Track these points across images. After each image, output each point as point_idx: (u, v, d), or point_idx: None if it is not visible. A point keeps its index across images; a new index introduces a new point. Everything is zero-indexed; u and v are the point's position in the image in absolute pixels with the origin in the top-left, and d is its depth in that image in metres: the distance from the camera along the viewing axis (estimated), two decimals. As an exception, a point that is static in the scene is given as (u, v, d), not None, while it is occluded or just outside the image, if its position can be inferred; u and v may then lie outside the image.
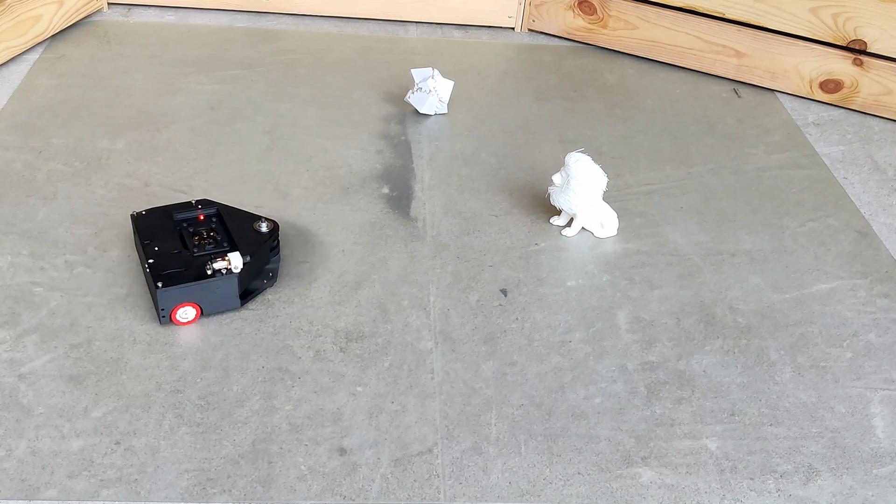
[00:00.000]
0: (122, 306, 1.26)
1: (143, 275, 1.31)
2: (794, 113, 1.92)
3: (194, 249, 1.26)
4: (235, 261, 1.23)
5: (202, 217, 1.33)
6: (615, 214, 1.47)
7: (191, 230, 1.30)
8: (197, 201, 1.35)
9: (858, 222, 1.58)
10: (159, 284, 1.19)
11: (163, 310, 1.21)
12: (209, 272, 1.22)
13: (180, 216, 1.32)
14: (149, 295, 1.27)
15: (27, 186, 1.48)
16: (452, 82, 1.78)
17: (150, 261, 1.23)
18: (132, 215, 1.32)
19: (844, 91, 1.93)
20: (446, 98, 1.77)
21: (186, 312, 1.23)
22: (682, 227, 1.53)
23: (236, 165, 1.58)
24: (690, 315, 1.34)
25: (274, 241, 1.33)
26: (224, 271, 1.23)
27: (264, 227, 1.31)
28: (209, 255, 1.26)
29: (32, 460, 1.04)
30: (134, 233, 1.32)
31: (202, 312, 1.24)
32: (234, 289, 1.24)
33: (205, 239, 1.28)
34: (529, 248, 1.44)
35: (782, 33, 1.92)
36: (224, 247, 1.28)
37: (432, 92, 1.74)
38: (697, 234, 1.51)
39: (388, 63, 1.96)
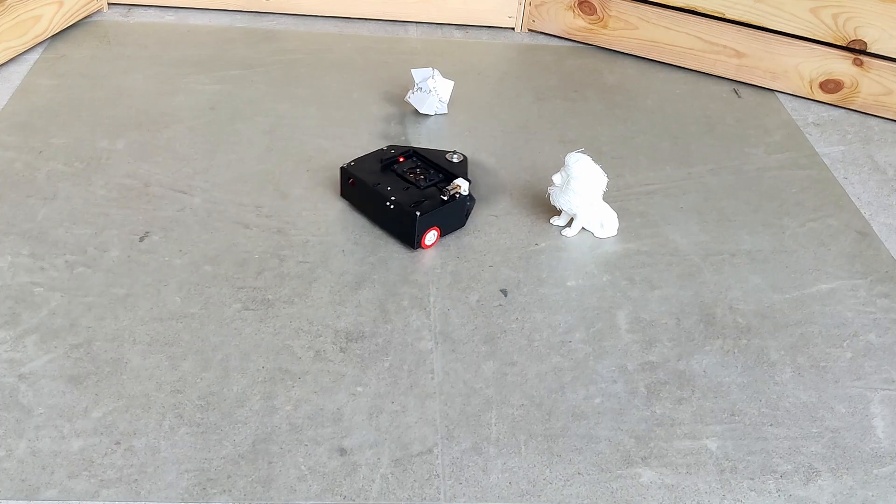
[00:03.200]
0: (122, 306, 1.26)
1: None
2: (795, 113, 1.92)
3: (420, 182, 1.44)
4: (463, 185, 1.42)
5: (402, 158, 1.51)
6: (615, 214, 1.47)
7: (404, 169, 1.48)
8: (389, 146, 1.52)
9: (858, 222, 1.58)
10: (418, 213, 1.36)
11: (418, 236, 1.38)
12: (445, 198, 1.40)
13: (386, 160, 1.49)
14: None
15: (27, 186, 1.48)
16: (452, 82, 1.78)
17: (393, 197, 1.40)
18: (343, 167, 1.47)
19: (844, 91, 1.93)
20: (446, 98, 1.77)
21: (432, 236, 1.41)
22: (683, 228, 1.53)
23: (236, 165, 1.58)
24: (690, 315, 1.34)
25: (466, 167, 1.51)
26: (456, 195, 1.41)
27: (456, 158, 1.50)
28: (434, 184, 1.45)
29: (32, 460, 1.04)
30: (347, 183, 1.47)
31: (440, 234, 1.42)
32: (463, 209, 1.44)
33: (419, 175, 1.46)
34: (529, 248, 1.44)
35: (782, 33, 1.92)
36: (440, 177, 1.47)
37: (432, 92, 1.74)
38: (698, 234, 1.51)
39: (388, 63, 1.96)
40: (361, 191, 1.45)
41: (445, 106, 1.78)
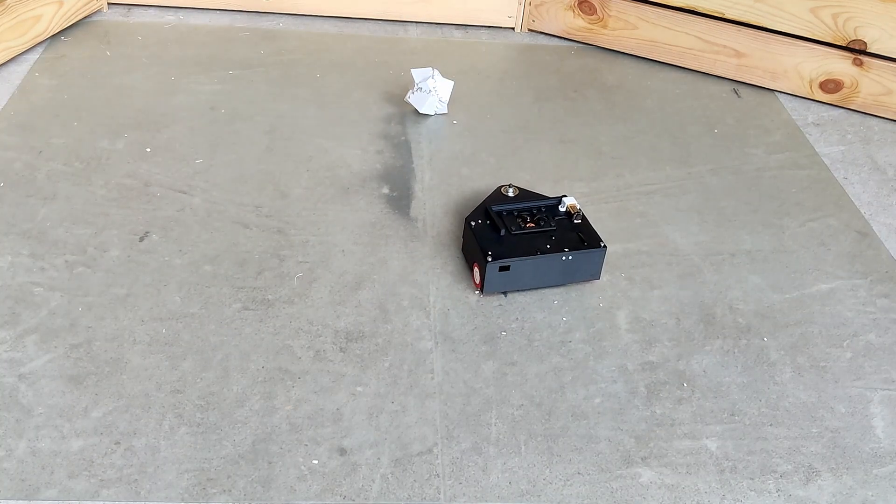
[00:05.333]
0: (122, 306, 1.26)
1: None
2: (794, 113, 1.92)
3: (539, 223, 1.37)
4: (575, 202, 1.40)
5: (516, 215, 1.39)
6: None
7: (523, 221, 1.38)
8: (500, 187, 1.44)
9: (858, 222, 1.58)
10: (602, 244, 1.33)
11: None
12: (578, 220, 1.38)
13: (496, 209, 1.39)
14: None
15: (27, 186, 1.48)
16: (452, 82, 1.78)
17: (566, 248, 1.33)
18: (470, 223, 1.36)
19: (844, 91, 1.93)
20: (446, 98, 1.77)
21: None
22: (682, 228, 1.53)
23: (236, 165, 1.58)
24: (690, 315, 1.34)
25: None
26: (576, 212, 1.39)
27: (511, 192, 1.42)
28: (544, 220, 1.37)
29: (32, 460, 1.04)
30: (471, 233, 1.35)
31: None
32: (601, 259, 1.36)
33: (535, 219, 1.38)
34: (529, 248, 1.44)
35: (782, 33, 1.92)
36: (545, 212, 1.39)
37: (432, 92, 1.74)
38: (697, 234, 1.51)
39: (388, 63, 1.96)
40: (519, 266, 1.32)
41: (445, 106, 1.78)
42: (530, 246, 1.32)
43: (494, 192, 1.43)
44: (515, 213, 1.38)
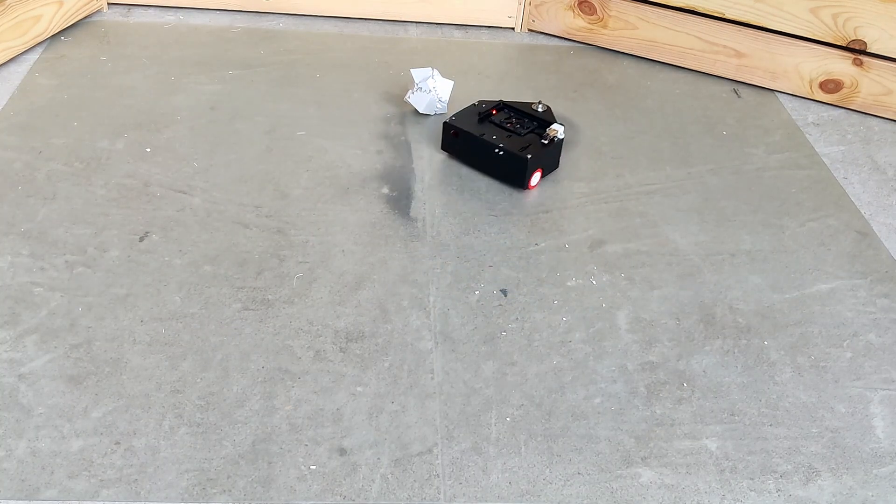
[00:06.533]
0: (121, 306, 1.26)
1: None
2: (794, 113, 1.92)
3: (519, 130, 1.60)
4: (560, 130, 1.57)
5: (495, 111, 1.65)
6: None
7: (501, 120, 1.62)
8: (479, 101, 1.66)
9: (858, 222, 1.58)
10: (528, 156, 1.52)
11: (528, 177, 1.54)
12: (546, 142, 1.56)
13: (482, 113, 1.63)
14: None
15: (27, 186, 1.48)
16: (452, 82, 1.78)
17: (501, 144, 1.55)
18: (447, 122, 1.61)
19: (844, 91, 1.93)
20: (446, 98, 1.77)
21: (536, 177, 1.57)
22: (682, 227, 1.53)
23: (236, 165, 1.58)
24: (690, 315, 1.34)
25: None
26: (555, 139, 1.57)
27: (541, 108, 1.65)
28: (531, 131, 1.60)
29: (32, 460, 1.04)
30: (450, 135, 1.61)
31: (542, 175, 1.59)
32: (559, 151, 1.61)
33: (516, 124, 1.61)
34: (529, 248, 1.44)
35: (782, 33, 1.92)
36: (534, 124, 1.62)
37: (432, 92, 1.74)
38: (697, 234, 1.51)
39: (388, 63, 1.97)
40: (467, 141, 1.59)
41: (445, 106, 1.78)
42: (486, 131, 1.58)
43: (527, 103, 1.68)
44: (509, 112, 1.65)
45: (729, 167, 1.71)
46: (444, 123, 1.61)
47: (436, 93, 1.75)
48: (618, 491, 1.07)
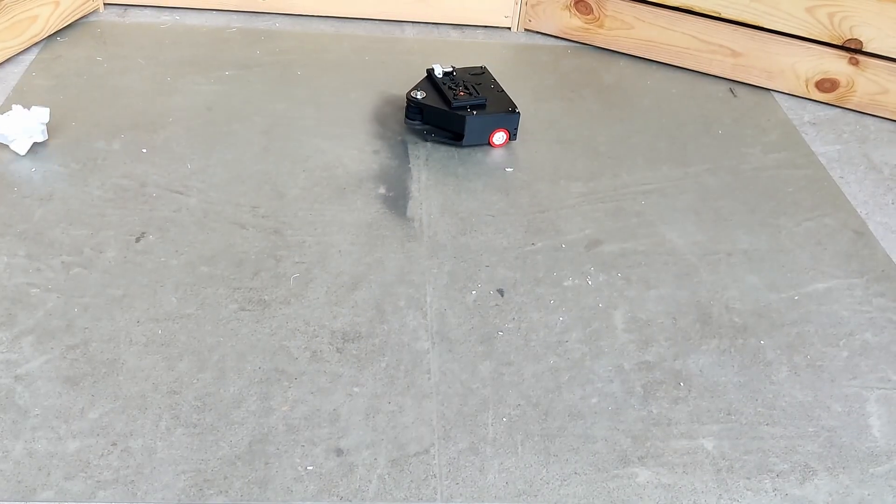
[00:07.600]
0: (118, 307, 1.26)
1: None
2: (791, 112, 1.92)
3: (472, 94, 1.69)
4: (419, 94, 1.69)
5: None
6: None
7: (450, 85, 1.71)
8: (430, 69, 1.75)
9: (855, 222, 1.58)
10: (473, 112, 1.65)
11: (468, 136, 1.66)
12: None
13: (437, 78, 1.73)
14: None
15: (23, 187, 1.48)
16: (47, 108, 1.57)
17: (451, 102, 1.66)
18: (408, 95, 1.69)
19: (840, 90, 1.93)
20: (42, 123, 1.54)
21: (501, 137, 1.68)
22: (679, 227, 1.53)
23: (233, 166, 1.58)
24: (687, 315, 1.34)
25: None
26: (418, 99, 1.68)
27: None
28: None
29: (29, 462, 1.04)
30: (413, 103, 1.69)
31: (510, 138, 1.70)
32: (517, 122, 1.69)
33: (463, 90, 1.69)
34: (526, 248, 1.45)
35: (778, 33, 1.92)
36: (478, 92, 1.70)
37: (21, 133, 1.52)
38: (694, 233, 1.52)
39: (384, 63, 1.96)
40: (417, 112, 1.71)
41: (44, 130, 1.53)
42: (445, 95, 1.68)
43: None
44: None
45: (725, 167, 1.71)
46: (408, 95, 1.70)
47: (26, 129, 1.51)
48: (614, 491, 1.07)
